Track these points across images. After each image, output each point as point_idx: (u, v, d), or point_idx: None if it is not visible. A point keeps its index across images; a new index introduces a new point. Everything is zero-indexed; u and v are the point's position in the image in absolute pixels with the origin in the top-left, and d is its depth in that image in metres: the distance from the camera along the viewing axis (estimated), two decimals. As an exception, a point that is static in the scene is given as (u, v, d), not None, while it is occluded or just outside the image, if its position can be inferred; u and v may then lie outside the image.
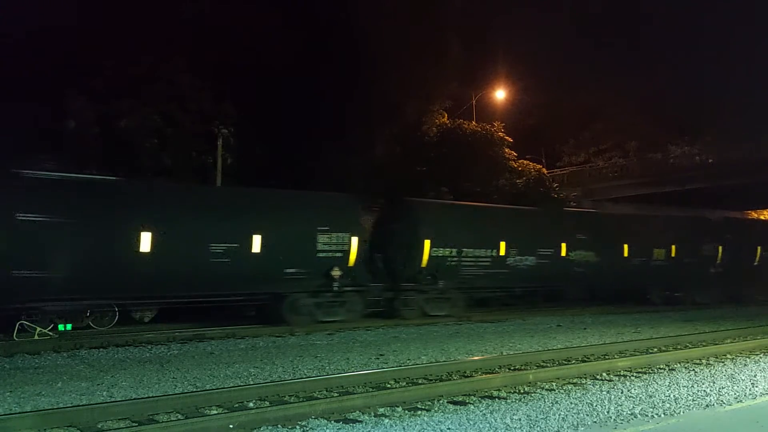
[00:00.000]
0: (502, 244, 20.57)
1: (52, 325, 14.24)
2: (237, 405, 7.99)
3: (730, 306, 24.69)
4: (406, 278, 19.18)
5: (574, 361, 11.46)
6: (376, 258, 19.33)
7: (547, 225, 22.81)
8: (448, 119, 35.02)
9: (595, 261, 22.61)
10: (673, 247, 24.68)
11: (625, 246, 23.55)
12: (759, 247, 27.43)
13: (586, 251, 22.45)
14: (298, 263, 16.83)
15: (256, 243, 16.08)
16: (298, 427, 7.14)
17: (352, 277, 17.81)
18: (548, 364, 11.01)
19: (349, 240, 17.59)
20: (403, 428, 7.02)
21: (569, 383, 9.55)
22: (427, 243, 19.10)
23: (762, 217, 45.35)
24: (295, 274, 16.77)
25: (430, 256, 19.13)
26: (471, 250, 19.97)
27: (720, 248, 25.91)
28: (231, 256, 15.65)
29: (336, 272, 17.26)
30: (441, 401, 8.35)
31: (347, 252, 17.54)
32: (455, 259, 19.63)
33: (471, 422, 7.22)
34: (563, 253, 21.95)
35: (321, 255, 17.11)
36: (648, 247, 24.26)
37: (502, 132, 35.03)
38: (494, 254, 20.44)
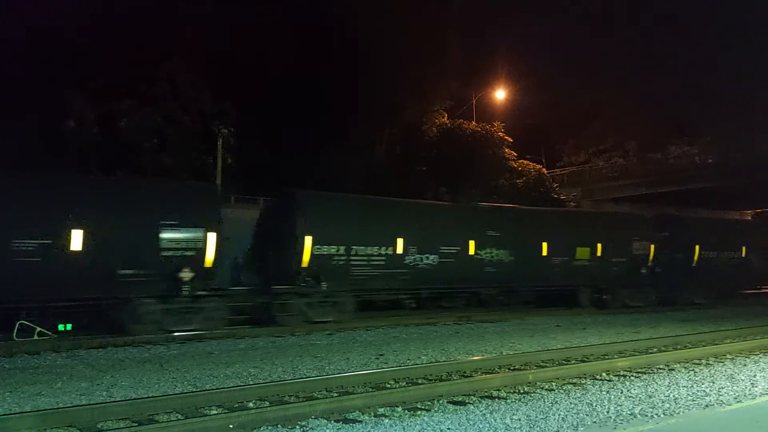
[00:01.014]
0: (399, 242, 18.43)
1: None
2: (237, 405, 7.98)
3: (728, 306, 24.64)
4: (283, 280, 16.94)
5: (573, 361, 11.45)
6: (248, 257, 17.70)
7: (453, 220, 20.56)
8: (448, 119, 35.05)
9: (510, 260, 20.66)
10: (599, 245, 22.67)
11: (544, 244, 21.62)
12: (697, 246, 25.32)
13: (498, 249, 20.45)
14: (135, 264, 14.33)
15: (76, 239, 13.63)
16: (298, 427, 7.14)
17: (209, 280, 15.33)
18: (548, 364, 11.01)
19: (205, 236, 15.07)
20: (403, 428, 7.02)
21: (569, 383, 9.55)
22: (308, 240, 16.77)
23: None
24: (132, 277, 14.29)
25: (313, 255, 16.84)
26: (362, 248, 17.75)
27: (652, 247, 23.91)
28: (42, 255, 13.27)
29: (185, 274, 14.73)
30: (441, 401, 8.35)
31: (202, 251, 14.99)
32: (343, 258, 17.41)
33: (471, 422, 7.22)
34: (471, 251, 19.90)
35: (166, 254, 14.68)
36: (570, 245, 22.29)
37: (502, 132, 35.07)
38: (390, 252, 18.25)
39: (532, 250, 21.38)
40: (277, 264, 17.23)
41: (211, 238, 15.17)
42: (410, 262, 18.71)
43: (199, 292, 15.12)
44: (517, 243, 20.94)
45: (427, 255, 18.95)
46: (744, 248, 27.24)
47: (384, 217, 19.10)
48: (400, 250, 18.49)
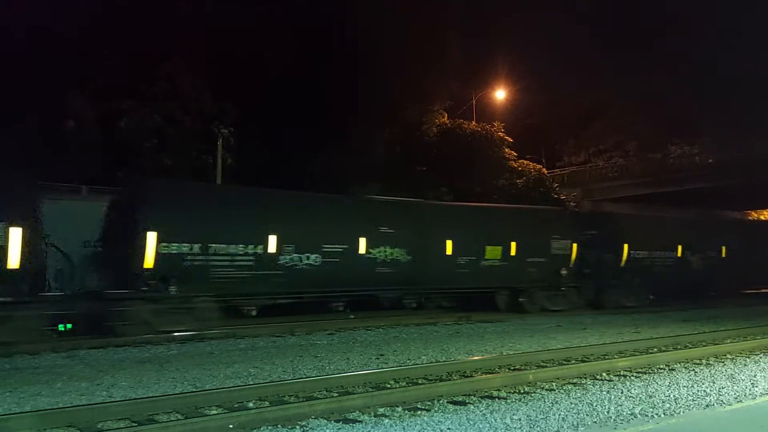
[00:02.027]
0: (272, 239, 16.23)
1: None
2: (237, 405, 7.97)
3: (728, 306, 24.59)
4: (124, 283, 14.70)
5: (573, 361, 11.44)
6: (89, 257, 15.57)
7: (339, 215, 18.27)
8: (448, 119, 35.05)
9: (408, 260, 18.72)
10: (513, 244, 20.86)
11: (449, 242, 19.64)
12: (626, 246, 23.56)
13: (393, 248, 18.47)
14: None
15: None
16: (297, 427, 7.13)
17: (12, 285, 13.10)
18: (548, 364, 11.00)
19: (5, 233, 12.82)
20: (403, 428, 7.01)
21: (569, 383, 9.54)
22: (151, 236, 14.46)
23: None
24: None
25: (159, 254, 14.54)
26: (223, 246, 15.44)
27: (575, 246, 22.15)
28: None
29: None
30: (441, 401, 8.34)
31: (3, 249, 12.79)
32: (200, 258, 15.11)
33: (471, 422, 7.21)
34: (362, 250, 17.89)
35: None
36: (479, 243, 20.40)
37: (502, 132, 35.08)
38: (260, 252, 16.01)
39: (434, 248, 19.39)
40: (117, 265, 14.95)
41: (15, 234, 12.84)
42: (286, 263, 16.47)
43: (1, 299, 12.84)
44: (416, 241, 18.98)
45: (307, 255, 16.71)
46: (680, 248, 25.46)
47: (252, 211, 16.61)
48: (272, 248, 16.22)
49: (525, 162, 36.38)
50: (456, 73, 34.93)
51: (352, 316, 19.11)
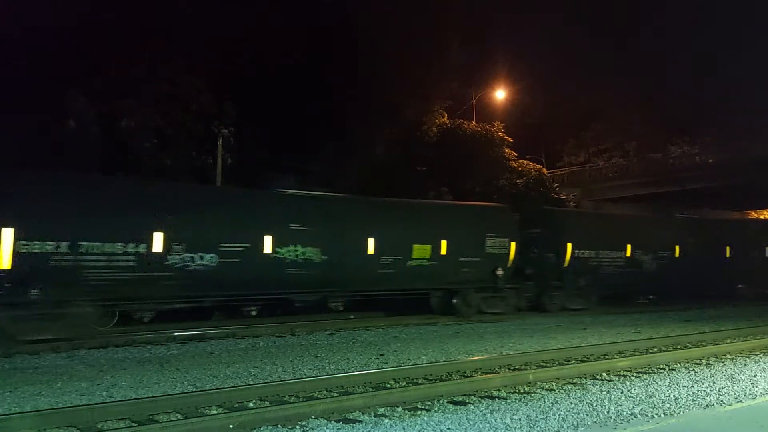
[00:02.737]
0: (157, 237, 14.54)
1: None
2: (237, 405, 7.98)
3: (728, 306, 24.60)
4: None
5: (573, 361, 11.45)
6: None
7: (240, 210, 16.61)
8: (448, 119, 35.05)
9: (323, 260, 17.06)
10: (444, 242, 19.32)
11: (371, 241, 18.00)
12: (569, 245, 22.21)
13: (305, 246, 16.79)
14: None
15: None
16: (298, 427, 7.14)
17: None
18: (548, 364, 11.01)
19: None
20: (403, 428, 7.01)
21: (569, 383, 9.55)
22: (7, 233, 12.88)
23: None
24: None
25: (17, 253, 12.96)
26: (97, 244, 13.80)
27: (513, 245, 20.62)
28: None
29: None
30: (441, 401, 8.34)
31: None
32: (69, 257, 13.47)
33: (471, 422, 7.21)
34: (267, 249, 16.25)
35: None
36: (405, 242, 18.75)
37: (502, 132, 35.08)
38: (143, 251, 14.32)
39: (353, 247, 17.76)
40: None
41: None
42: (176, 264, 14.78)
43: None
44: (333, 239, 17.38)
45: (200, 254, 15.01)
46: (629, 247, 23.97)
47: (132, 206, 14.80)
48: (158, 247, 14.53)
49: (525, 162, 36.38)
50: (456, 73, 34.96)
51: (351, 316, 19.13)
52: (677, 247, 25.59)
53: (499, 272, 20.25)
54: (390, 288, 18.98)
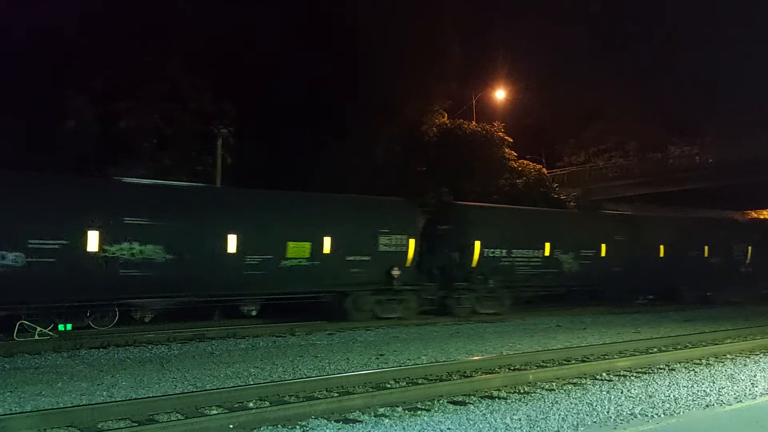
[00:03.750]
0: None
1: (52, 325, 14.19)
2: (237, 405, 7.99)
3: (729, 307, 24.58)
4: None
5: (573, 361, 11.46)
6: None
7: (53, 201, 13.87)
8: (448, 119, 35.06)
9: (166, 260, 14.72)
10: (327, 239, 17.29)
11: (232, 237, 15.73)
12: (478, 243, 20.24)
13: (144, 244, 14.48)
14: None
15: None
16: (298, 427, 7.14)
17: None
18: (548, 364, 11.02)
19: None
20: (403, 428, 7.02)
21: (569, 383, 9.56)
22: None
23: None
24: None
25: None
26: None
27: (412, 243, 18.78)
28: None
29: None
30: (441, 401, 8.35)
31: None
32: None
33: (471, 422, 7.22)
34: (93, 246, 13.89)
35: None
36: (278, 239, 16.59)
37: (502, 132, 35.09)
38: None
39: (208, 245, 15.49)
40: None
41: None
42: None
43: None
44: (181, 235, 15.04)
45: (1, 254, 12.95)
46: (548, 246, 21.83)
47: None
48: None
49: (525, 162, 36.39)
50: (456, 73, 34.93)
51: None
52: (603, 246, 23.26)
53: (396, 272, 18.35)
54: (261, 292, 17.19)
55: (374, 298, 18.34)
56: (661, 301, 25.45)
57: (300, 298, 17.64)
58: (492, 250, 20.55)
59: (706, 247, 26.26)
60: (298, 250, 16.86)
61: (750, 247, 27.47)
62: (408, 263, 18.78)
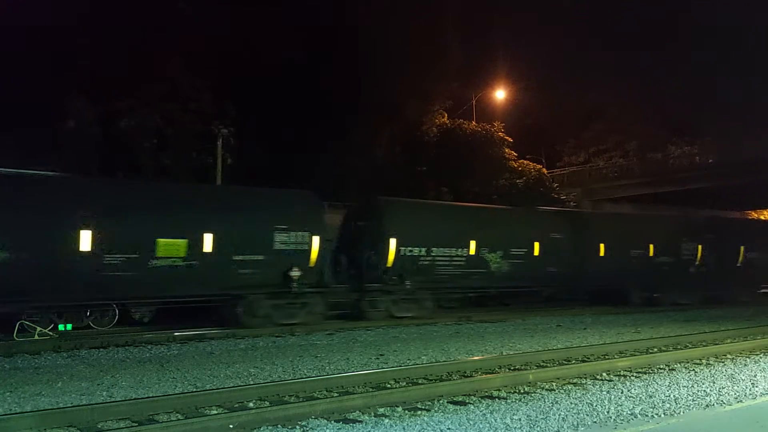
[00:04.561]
0: None
1: (52, 325, 14.19)
2: (237, 405, 7.98)
3: (730, 307, 24.55)
4: None
5: (574, 361, 11.45)
6: None
7: None
8: (448, 119, 35.09)
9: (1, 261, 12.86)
10: (209, 236, 15.29)
11: (86, 234, 13.80)
12: (393, 240, 18.41)
13: None
14: None
15: None
16: (298, 427, 7.14)
17: None
18: (548, 364, 11.01)
19: None
20: (403, 428, 7.01)
21: (569, 383, 9.55)
22: None
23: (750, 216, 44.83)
24: None
25: None
26: None
27: (316, 240, 16.92)
28: None
29: None
30: (441, 401, 8.34)
31: None
32: None
33: (471, 422, 7.21)
34: None
35: None
36: (145, 236, 14.57)
37: (502, 132, 35.12)
38: None
39: (55, 243, 13.64)
40: None
41: None
42: None
43: None
44: (17, 232, 13.22)
45: None
46: (473, 244, 19.95)
47: None
48: None
49: (525, 162, 36.42)
50: (456, 73, 34.97)
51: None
52: (537, 245, 21.45)
53: (295, 273, 16.40)
54: (127, 295, 15.13)
55: (271, 303, 16.37)
56: (597, 303, 23.48)
57: (201, 302, 15.94)
58: (409, 248, 18.76)
59: (652, 246, 24.23)
60: (170, 248, 14.84)
61: (700, 246, 25.39)
62: (312, 263, 16.84)
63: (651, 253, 24.22)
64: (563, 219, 23.59)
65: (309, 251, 16.85)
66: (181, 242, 14.97)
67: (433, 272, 19.28)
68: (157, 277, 14.70)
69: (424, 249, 19.04)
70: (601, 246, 23.05)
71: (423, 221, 19.77)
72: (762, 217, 45.49)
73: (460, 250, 19.75)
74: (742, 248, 26.68)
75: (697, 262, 25.41)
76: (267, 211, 16.69)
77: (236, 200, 16.87)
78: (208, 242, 15.31)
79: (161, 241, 14.71)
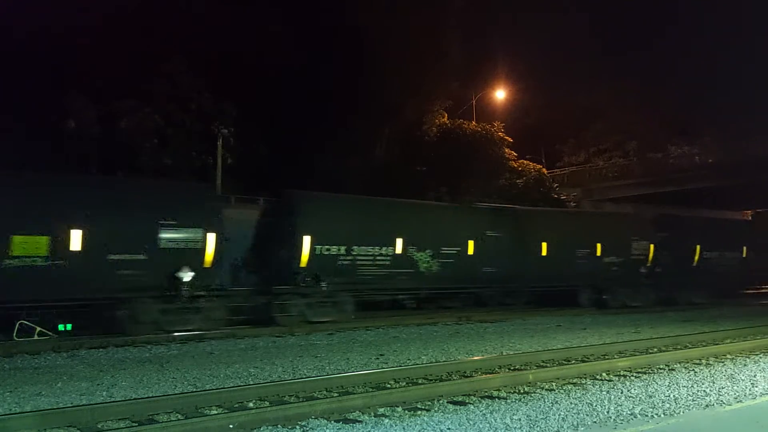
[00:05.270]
0: None
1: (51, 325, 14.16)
2: (237, 405, 7.98)
3: (730, 306, 24.54)
4: None
5: (573, 361, 11.44)
6: None
7: None
8: (448, 119, 35.11)
9: None
10: (77, 233, 13.83)
11: None
12: (308, 238, 16.89)
13: None
14: None
15: None
16: (298, 427, 7.14)
17: None
18: (548, 364, 11.00)
19: None
20: (403, 428, 7.01)
21: (569, 383, 9.54)
22: None
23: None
24: None
25: None
26: None
27: (212, 238, 15.19)
28: None
29: None
30: (441, 401, 8.34)
31: None
32: None
33: (471, 422, 7.21)
34: None
35: None
36: (49, 229, 13.38)
37: (502, 132, 35.16)
38: None
39: None
40: None
41: None
42: None
43: None
44: None
45: None
46: (400, 242, 18.56)
47: None
48: None
49: (525, 162, 36.45)
50: (456, 73, 34.98)
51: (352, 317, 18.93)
52: (471, 243, 20.09)
53: (185, 275, 14.74)
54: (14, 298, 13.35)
55: (159, 307, 14.74)
56: (535, 306, 22.17)
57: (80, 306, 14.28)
58: (327, 247, 17.22)
59: (600, 245, 22.82)
60: (29, 246, 13.17)
61: (652, 246, 24.05)
62: (207, 263, 15.14)
63: (598, 253, 22.90)
64: (501, 216, 22.03)
65: (203, 250, 15.05)
66: (42, 239, 13.30)
67: (355, 273, 17.79)
68: (13, 278, 12.95)
69: (343, 248, 17.54)
70: (544, 245, 21.84)
71: (342, 217, 18.15)
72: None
73: (384, 248, 18.29)
74: (698, 247, 25.34)
75: (648, 263, 24.07)
76: (150, 205, 14.82)
77: (112, 192, 15.02)
78: (75, 240, 13.60)
79: (17, 238, 13.04)
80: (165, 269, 14.63)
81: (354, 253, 17.69)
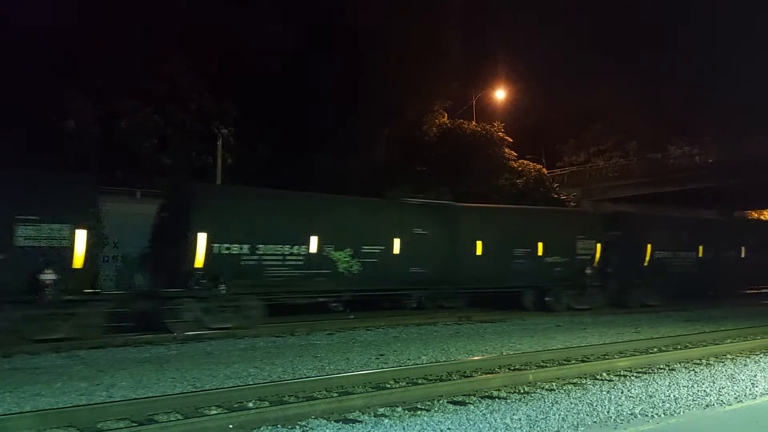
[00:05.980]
0: None
1: None
2: (236, 405, 7.97)
3: (730, 306, 24.53)
4: None
5: (573, 361, 11.43)
6: None
7: None
8: (448, 119, 35.11)
9: None
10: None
11: None
12: (205, 236, 15.38)
13: None
14: None
15: None
16: (297, 427, 7.13)
17: None
18: (548, 364, 11.00)
19: None
20: (403, 428, 7.00)
21: (569, 383, 9.53)
22: None
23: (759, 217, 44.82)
24: None
25: None
26: None
27: (82, 236, 13.69)
28: None
29: None
30: (441, 401, 8.33)
31: None
32: None
33: (471, 422, 7.20)
34: None
35: None
36: None
37: (502, 132, 35.16)
38: None
39: None
40: None
41: None
42: None
43: None
44: None
45: None
46: (316, 240, 17.00)
47: None
48: None
49: (525, 162, 36.44)
50: (456, 73, 34.99)
51: (351, 316, 18.76)
52: (396, 241, 18.65)
53: (47, 277, 13.10)
54: None
55: (18, 314, 13.09)
56: (470, 309, 21.12)
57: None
58: (227, 245, 15.58)
59: (541, 244, 21.46)
60: None
61: (599, 245, 22.67)
62: (78, 264, 13.53)
63: (540, 252, 21.50)
64: (431, 212, 20.52)
65: (71, 249, 13.40)
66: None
67: (262, 274, 16.19)
68: None
69: (246, 246, 15.85)
70: (478, 244, 20.36)
71: (245, 212, 16.31)
72: (763, 217, 45.48)
73: (297, 247, 16.64)
74: (649, 246, 23.89)
75: (595, 263, 22.58)
76: (6, 199, 13.15)
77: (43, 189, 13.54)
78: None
79: None
80: (25, 270, 12.91)
81: (260, 252, 16.06)
